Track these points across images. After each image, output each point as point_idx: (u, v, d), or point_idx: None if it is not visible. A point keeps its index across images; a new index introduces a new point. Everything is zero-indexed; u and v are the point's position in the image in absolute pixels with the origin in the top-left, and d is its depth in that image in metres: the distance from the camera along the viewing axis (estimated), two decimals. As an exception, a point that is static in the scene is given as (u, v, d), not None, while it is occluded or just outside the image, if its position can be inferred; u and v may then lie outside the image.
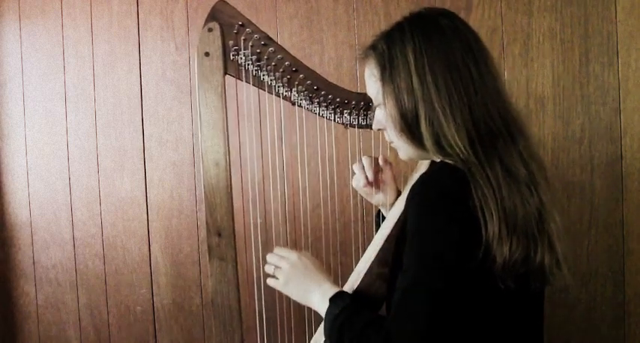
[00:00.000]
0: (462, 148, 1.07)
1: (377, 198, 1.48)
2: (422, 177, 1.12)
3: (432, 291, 1.01)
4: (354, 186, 1.49)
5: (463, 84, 1.10)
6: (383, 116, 1.22)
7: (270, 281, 1.35)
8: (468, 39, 1.15)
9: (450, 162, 1.10)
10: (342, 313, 1.16)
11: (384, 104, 1.18)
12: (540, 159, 1.16)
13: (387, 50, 1.16)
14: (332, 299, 1.20)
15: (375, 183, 1.46)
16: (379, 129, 1.30)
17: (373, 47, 1.21)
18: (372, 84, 1.23)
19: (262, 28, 1.38)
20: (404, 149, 1.22)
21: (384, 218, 1.46)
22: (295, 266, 1.31)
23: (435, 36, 1.13)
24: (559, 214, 1.13)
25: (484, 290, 1.06)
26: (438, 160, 1.19)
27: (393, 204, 1.45)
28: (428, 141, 1.11)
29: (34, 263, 2.40)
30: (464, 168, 1.07)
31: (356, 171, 1.47)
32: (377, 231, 1.43)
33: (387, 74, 1.16)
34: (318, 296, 1.25)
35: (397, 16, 2.04)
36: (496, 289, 1.05)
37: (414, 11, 1.21)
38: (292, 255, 1.33)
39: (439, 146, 1.10)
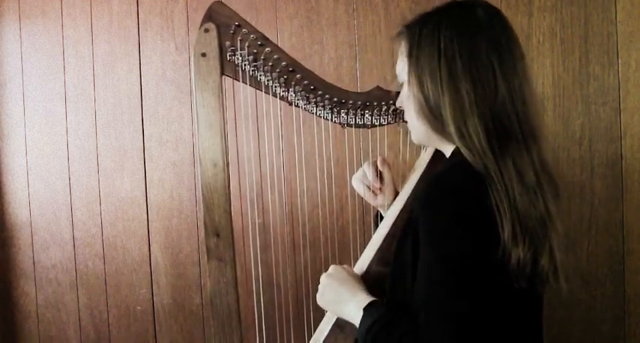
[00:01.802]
0: (482, 139, 1.07)
1: (376, 200, 1.48)
2: (436, 177, 1.11)
3: (459, 297, 1.01)
4: (354, 186, 1.49)
5: (484, 78, 1.10)
6: (404, 94, 1.22)
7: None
8: (498, 35, 1.14)
9: (464, 157, 1.10)
10: (376, 323, 1.13)
11: (408, 83, 1.18)
12: (552, 173, 1.14)
13: (419, 32, 1.16)
14: (366, 309, 1.18)
15: (374, 185, 1.46)
16: (400, 107, 1.30)
17: (408, 26, 1.21)
18: (401, 61, 1.23)
19: (262, 28, 1.38)
20: (417, 131, 1.22)
21: (382, 218, 1.46)
22: (330, 276, 1.30)
23: (467, 26, 1.13)
24: (562, 225, 1.13)
25: (502, 290, 1.06)
26: (449, 152, 1.20)
27: (391, 205, 1.45)
28: (450, 127, 1.11)
29: (34, 263, 2.40)
30: (479, 165, 1.07)
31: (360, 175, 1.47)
32: (375, 231, 1.43)
33: (414, 55, 1.15)
34: (352, 307, 1.22)
35: (397, 16, 2.06)
36: (511, 289, 1.05)
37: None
38: (331, 267, 1.33)
39: (460, 133, 1.10)
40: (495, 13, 1.18)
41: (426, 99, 1.13)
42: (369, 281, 1.30)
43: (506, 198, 1.03)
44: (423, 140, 1.24)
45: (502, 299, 1.05)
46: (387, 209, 1.44)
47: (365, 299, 1.21)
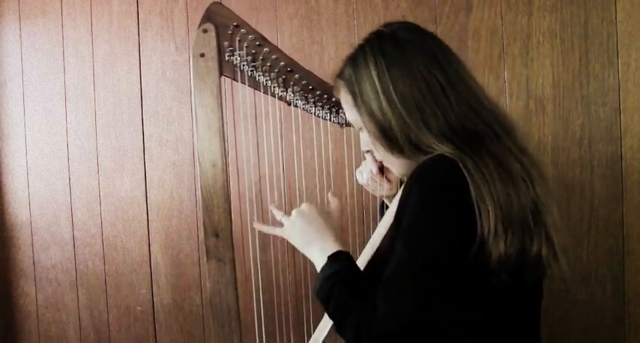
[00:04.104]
0: (453, 151, 1.08)
1: (382, 190, 1.47)
2: (417, 169, 1.11)
3: (421, 281, 1.02)
4: (358, 180, 1.48)
5: (433, 94, 1.11)
6: (366, 139, 1.24)
7: (275, 230, 1.38)
8: (430, 48, 1.15)
9: (446, 154, 1.10)
10: (336, 274, 1.15)
11: (365, 127, 1.19)
12: (531, 153, 1.15)
13: (354, 75, 1.18)
14: (330, 257, 1.19)
15: (381, 174, 1.45)
16: (368, 151, 1.31)
17: (340, 75, 1.23)
18: (349, 110, 1.24)
19: (262, 28, 1.38)
20: (396, 166, 1.24)
21: (387, 208, 1.45)
22: (302, 214, 1.32)
23: (395, 52, 1.14)
24: (557, 207, 1.13)
25: (476, 283, 1.06)
26: None
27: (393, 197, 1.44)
28: (412, 153, 1.13)
29: (34, 263, 2.40)
30: (458, 160, 1.07)
31: (366, 161, 1.46)
32: (379, 219, 1.43)
33: (359, 99, 1.17)
34: (317, 249, 1.24)
35: (397, 16, 2.06)
36: (489, 282, 1.05)
37: (373, 30, 1.22)
38: (304, 205, 1.35)
39: (433, 149, 1.10)
40: (416, 29, 1.19)
41: (385, 135, 1.15)
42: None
43: (488, 193, 1.03)
44: (406, 171, 1.23)
45: (475, 292, 1.06)
46: (392, 200, 1.44)
47: (332, 245, 1.23)
